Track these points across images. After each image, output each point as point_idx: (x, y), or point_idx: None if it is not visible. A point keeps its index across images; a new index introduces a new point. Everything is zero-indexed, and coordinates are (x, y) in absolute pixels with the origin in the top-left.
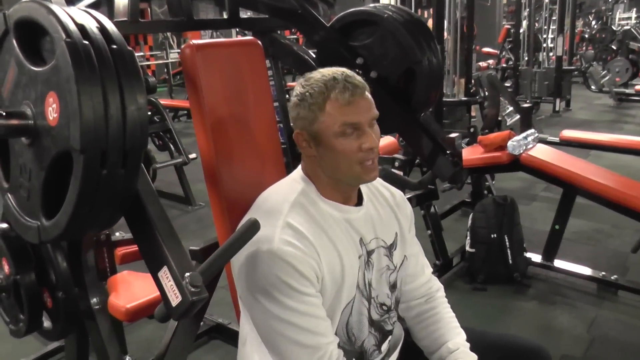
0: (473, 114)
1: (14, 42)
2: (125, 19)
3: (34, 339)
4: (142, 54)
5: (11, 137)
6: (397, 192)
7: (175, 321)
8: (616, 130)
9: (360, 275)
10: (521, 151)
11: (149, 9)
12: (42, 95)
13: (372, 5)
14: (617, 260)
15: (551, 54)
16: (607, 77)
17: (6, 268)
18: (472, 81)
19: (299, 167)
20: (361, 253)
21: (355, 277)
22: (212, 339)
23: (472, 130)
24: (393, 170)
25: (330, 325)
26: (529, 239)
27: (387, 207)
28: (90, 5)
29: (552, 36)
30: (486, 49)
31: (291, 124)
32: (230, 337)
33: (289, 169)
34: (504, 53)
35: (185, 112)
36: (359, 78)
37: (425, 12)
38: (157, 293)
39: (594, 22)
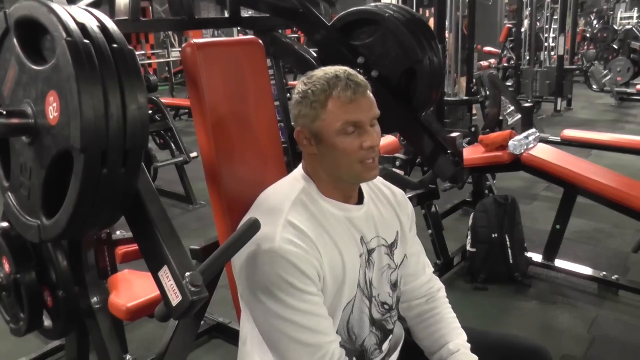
0: (474, 112)
1: (15, 40)
2: (126, 17)
3: (34, 338)
4: (143, 52)
5: (12, 135)
6: (398, 191)
7: (176, 320)
8: (617, 129)
9: (361, 273)
10: (522, 150)
11: (150, 8)
12: (42, 94)
13: (373, 4)
14: (618, 260)
15: (552, 53)
16: (608, 77)
17: (7, 267)
18: (473, 80)
19: (300, 165)
20: (362, 251)
21: (356, 276)
22: (213, 338)
23: (473, 129)
24: (394, 169)
25: (332, 323)
26: (529, 239)
27: (388, 205)
28: (91, 4)
29: (554, 35)
30: (487, 48)
31: (292, 122)
32: (231, 336)
33: (290, 168)
34: (505, 52)
35: (187, 110)
36: (361, 77)
37: (427, 11)
38: (157, 292)
39: (595, 22)
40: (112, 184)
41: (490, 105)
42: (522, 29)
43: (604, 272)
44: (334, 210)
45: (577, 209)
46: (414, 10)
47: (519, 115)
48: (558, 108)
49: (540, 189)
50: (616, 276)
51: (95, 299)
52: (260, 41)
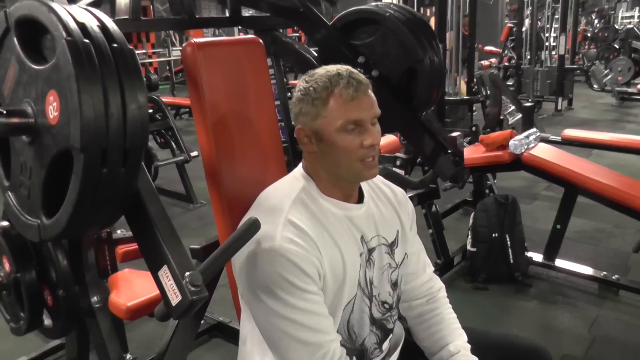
0: (475, 112)
1: (15, 40)
2: (126, 17)
3: (34, 337)
4: (144, 51)
5: (12, 135)
6: (399, 190)
7: (176, 320)
8: (618, 129)
9: (362, 273)
10: (523, 150)
11: (151, 7)
12: (42, 93)
13: (374, 3)
14: (619, 260)
15: (553, 52)
16: (609, 76)
17: (7, 266)
18: (474, 80)
19: (300, 165)
20: (362, 251)
21: (356, 275)
22: (213, 337)
23: (473, 129)
24: (394, 169)
25: (333, 322)
26: (530, 239)
27: (388, 204)
28: (92, 4)
29: (555, 35)
30: (488, 48)
31: (293, 121)
32: (231, 335)
33: (290, 167)
34: (506, 51)
35: (187, 110)
36: (362, 75)
37: (428, 11)
38: (158, 291)
39: (596, 21)
40: (112, 184)
41: (491, 104)
42: (523, 29)
43: (605, 272)
44: (334, 209)
45: (578, 208)
46: (415, 9)
47: (520, 115)
48: (559, 108)
49: (541, 188)
50: (617, 276)
51: (95, 298)
52: (261, 40)
